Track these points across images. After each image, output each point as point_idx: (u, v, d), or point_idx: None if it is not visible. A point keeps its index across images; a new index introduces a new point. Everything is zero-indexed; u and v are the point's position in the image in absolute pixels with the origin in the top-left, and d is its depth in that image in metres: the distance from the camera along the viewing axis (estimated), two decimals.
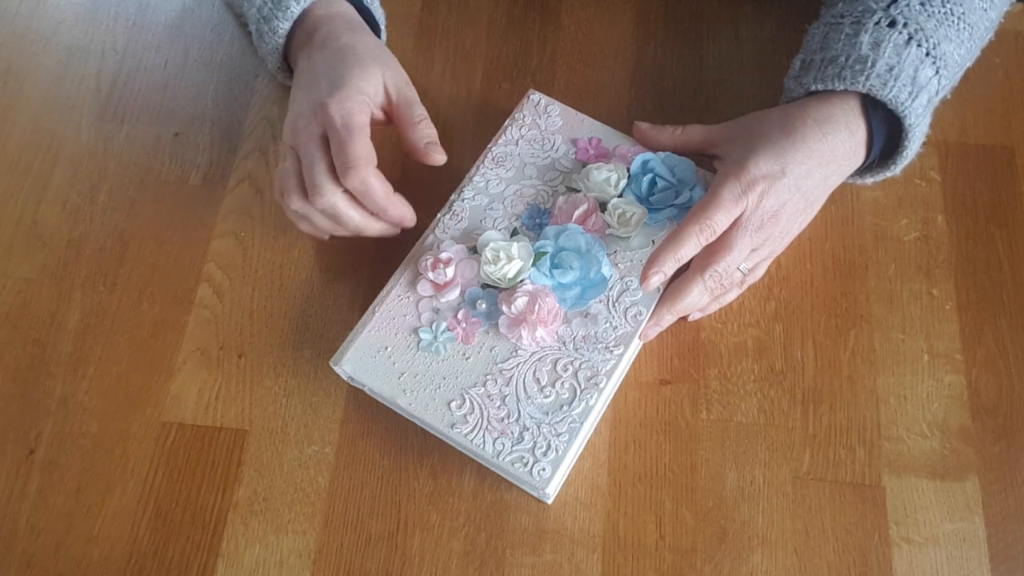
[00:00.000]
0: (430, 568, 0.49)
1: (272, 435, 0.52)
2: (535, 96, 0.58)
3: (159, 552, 0.50)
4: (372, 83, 0.52)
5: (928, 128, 0.53)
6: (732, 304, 0.55)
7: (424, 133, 0.53)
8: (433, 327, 0.51)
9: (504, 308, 0.51)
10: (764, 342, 0.54)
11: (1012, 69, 0.63)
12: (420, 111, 0.54)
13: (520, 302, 0.51)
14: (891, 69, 0.50)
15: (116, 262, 0.57)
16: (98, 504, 0.51)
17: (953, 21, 0.52)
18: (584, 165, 0.56)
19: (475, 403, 0.49)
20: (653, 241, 0.53)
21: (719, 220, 0.49)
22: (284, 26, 0.55)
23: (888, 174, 0.55)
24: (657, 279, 0.49)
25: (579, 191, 0.54)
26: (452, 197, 0.55)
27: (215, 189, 0.59)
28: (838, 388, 0.53)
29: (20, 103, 0.63)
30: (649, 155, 0.55)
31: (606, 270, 0.52)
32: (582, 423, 0.48)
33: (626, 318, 0.51)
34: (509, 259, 0.52)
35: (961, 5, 0.52)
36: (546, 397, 0.49)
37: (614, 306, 0.51)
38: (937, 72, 0.51)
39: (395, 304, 0.52)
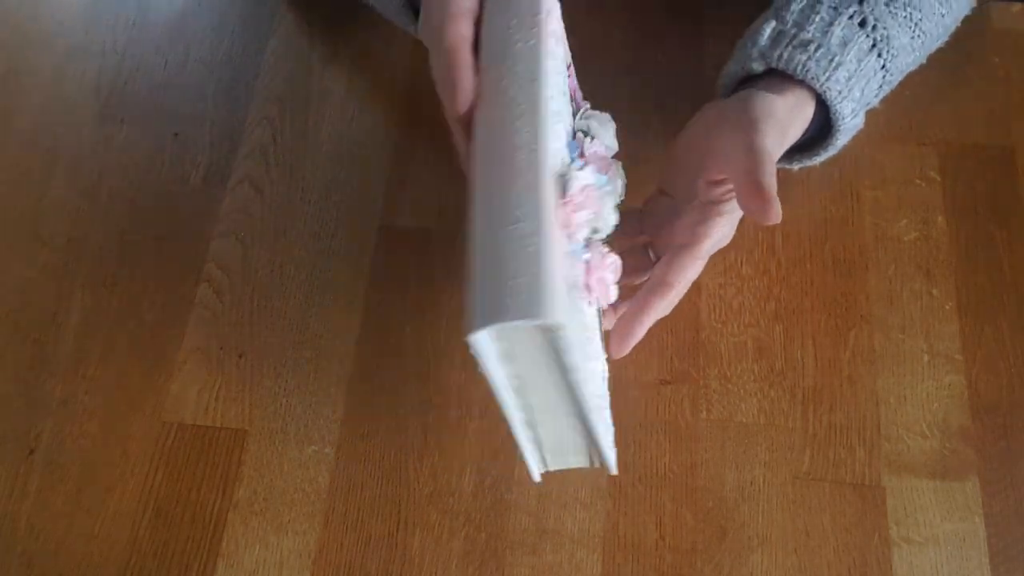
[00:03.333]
0: (430, 568, 0.49)
1: (272, 435, 0.52)
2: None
3: (159, 552, 0.50)
4: None
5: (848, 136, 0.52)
6: (732, 304, 0.55)
7: None
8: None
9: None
10: (764, 342, 0.54)
11: (1012, 69, 0.63)
12: None
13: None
14: (849, 79, 0.49)
15: (116, 262, 0.57)
16: (98, 504, 0.51)
17: (911, 26, 0.51)
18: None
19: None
20: None
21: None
22: None
23: (808, 163, 0.53)
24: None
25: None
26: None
27: (215, 189, 0.59)
28: (838, 388, 0.53)
29: (20, 103, 0.63)
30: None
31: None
32: None
33: None
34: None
35: (920, 11, 0.51)
36: None
37: None
38: (880, 88, 0.51)
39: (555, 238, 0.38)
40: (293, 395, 0.53)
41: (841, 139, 0.51)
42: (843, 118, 0.49)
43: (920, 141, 0.59)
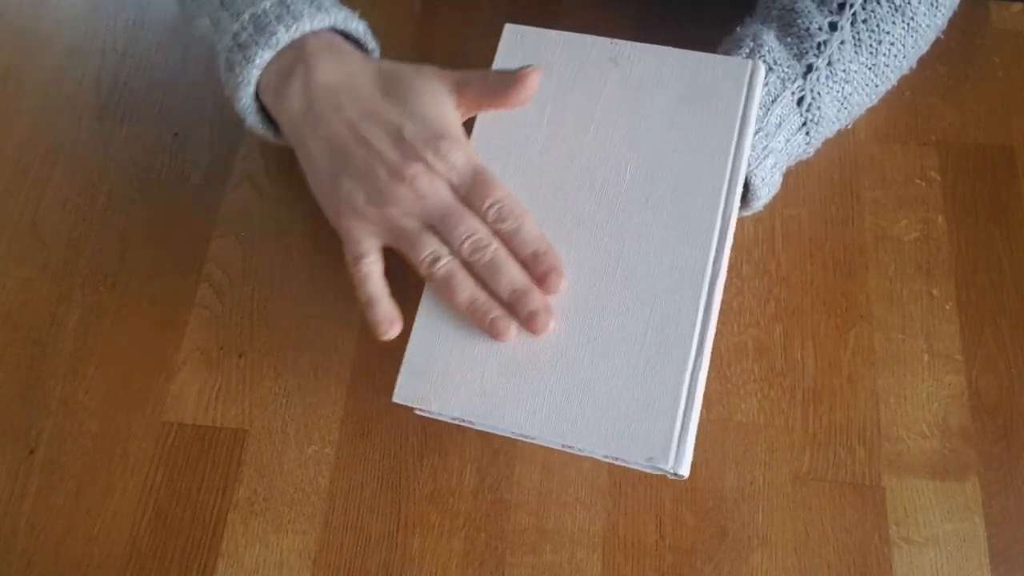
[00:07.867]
0: (430, 568, 0.49)
1: (272, 435, 0.52)
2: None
3: (159, 552, 0.50)
4: (453, 112, 0.49)
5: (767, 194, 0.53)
6: (732, 304, 0.55)
7: (504, 75, 0.48)
8: None
9: None
10: (764, 342, 0.54)
11: (1012, 69, 0.63)
12: (483, 72, 0.49)
13: None
14: (774, 166, 0.50)
15: (116, 262, 0.57)
16: (98, 504, 0.51)
17: (840, 100, 0.51)
18: None
19: None
20: None
21: None
22: (265, 55, 0.48)
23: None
24: None
25: None
26: None
27: (215, 189, 0.59)
28: (838, 388, 0.53)
29: (20, 103, 0.63)
30: None
31: None
32: None
33: None
34: None
35: (851, 83, 0.51)
36: None
37: None
38: (798, 160, 0.53)
39: None
40: (293, 395, 0.53)
41: (755, 207, 0.52)
42: (758, 199, 0.51)
43: (920, 141, 0.59)
